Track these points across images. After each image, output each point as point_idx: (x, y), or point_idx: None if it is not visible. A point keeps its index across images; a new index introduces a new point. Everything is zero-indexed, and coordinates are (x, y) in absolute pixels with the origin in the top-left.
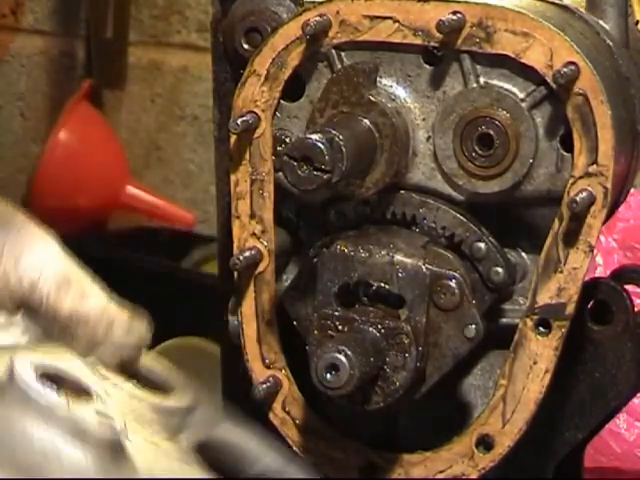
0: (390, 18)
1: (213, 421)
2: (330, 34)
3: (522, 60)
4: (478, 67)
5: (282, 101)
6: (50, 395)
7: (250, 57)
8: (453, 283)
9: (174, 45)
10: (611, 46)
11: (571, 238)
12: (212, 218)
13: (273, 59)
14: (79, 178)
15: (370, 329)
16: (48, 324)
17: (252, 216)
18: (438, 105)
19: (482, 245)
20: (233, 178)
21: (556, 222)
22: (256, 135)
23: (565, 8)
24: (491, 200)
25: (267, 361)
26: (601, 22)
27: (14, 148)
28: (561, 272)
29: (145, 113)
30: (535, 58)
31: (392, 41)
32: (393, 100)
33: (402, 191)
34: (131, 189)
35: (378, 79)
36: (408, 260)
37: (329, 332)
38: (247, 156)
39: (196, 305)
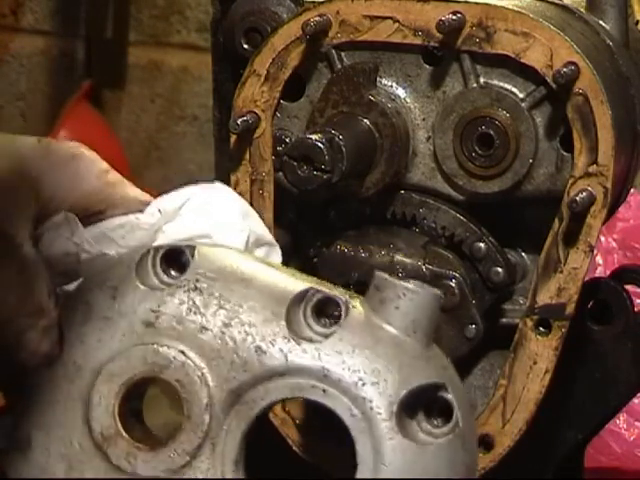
0: (390, 18)
1: None
2: (330, 34)
3: (522, 60)
4: (478, 67)
5: (282, 101)
6: None
7: (250, 57)
8: (453, 283)
9: (174, 45)
10: (611, 46)
11: (571, 238)
12: None
13: (273, 59)
14: None
15: None
16: None
17: None
18: (438, 105)
19: (482, 245)
20: (233, 178)
21: (556, 222)
22: (256, 135)
23: (565, 8)
24: (491, 200)
25: None
26: (601, 22)
27: None
28: (561, 272)
29: (145, 113)
30: (535, 58)
31: (392, 41)
32: (393, 100)
33: (402, 191)
34: None
35: (378, 79)
36: (408, 260)
37: None
38: (247, 156)
39: None
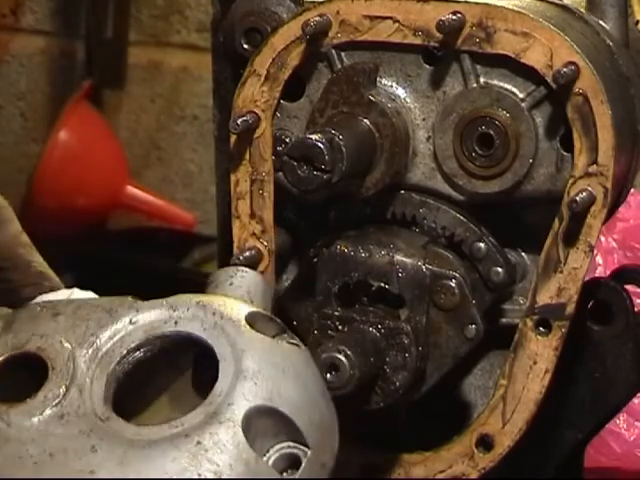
0: (390, 18)
1: None
2: (330, 34)
3: (522, 60)
4: (478, 67)
5: (282, 101)
6: None
7: (250, 57)
8: (453, 283)
9: (174, 45)
10: (611, 46)
11: (571, 238)
12: (212, 218)
13: (273, 59)
14: (79, 178)
15: (370, 329)
16: None
17: (252, 216)
18: (438, 105)
19: (482, 245)
20: (233, 178)
21: (556, 222)
22: (256, 135)
23: (565, 8)
24: (491, 200)
25: None
26: (601, 22)
27: (14, 148)
28: (561, 272)
29: (145, 113)
30: (535, 58)
31: (392, 41)
32: (393, 100)
33: (402, 191)
34: (131, 189)
35: (378, 79)
36: (408, 260)
37: (329, 332)
38: (247, 156)
39: None
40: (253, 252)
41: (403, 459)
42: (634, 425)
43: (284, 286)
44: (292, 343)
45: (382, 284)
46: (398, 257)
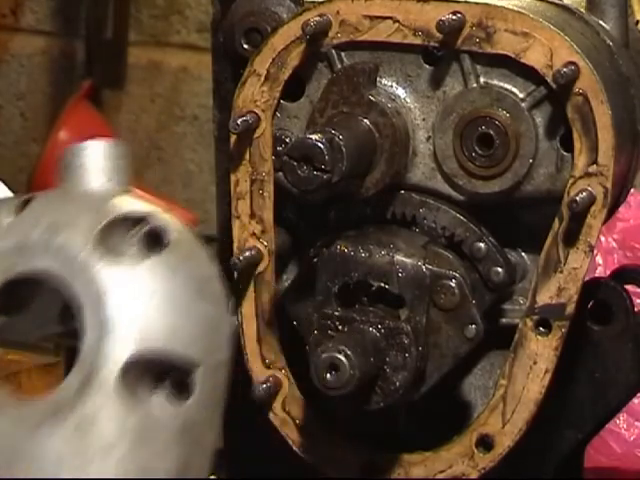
0: (390, 18)
1: None
2: (330, 34)
3: (522, 60)
4: (478, 67)
5: (282, 101)
6: None
7: (250, 57)
8: (453, 283)
9: (174, 45)
10: (611, 46)
11: (571, 238)
12: (212, 218)
13: (273, 59)
14: None
15: (370, 329)
16: None
17: (252, 216)
18: (438, 105)
19: (482, 245)
20: (233, 178)
21: (556, 222)
22: (256, 135)
23: (565, 8)
24: (491, 200)
25: (267, 361)
26: (601, 22)
27: (14, 148)
28: (561, 272)
29: (145, 113)
30: (535, 58)
31: (392, 41)
32: (393, 100)
33: (402, 191)
34: None
35: (378, 79)
36: (408, 260)
37: (329, 332)
38: (247, 156)
39: None
40: (253, 252)
41: (403, 459)
42: (634, 425)
43: (284, 286)
44: (155, 253)
45: (382, 284)
46: (398, 257)
